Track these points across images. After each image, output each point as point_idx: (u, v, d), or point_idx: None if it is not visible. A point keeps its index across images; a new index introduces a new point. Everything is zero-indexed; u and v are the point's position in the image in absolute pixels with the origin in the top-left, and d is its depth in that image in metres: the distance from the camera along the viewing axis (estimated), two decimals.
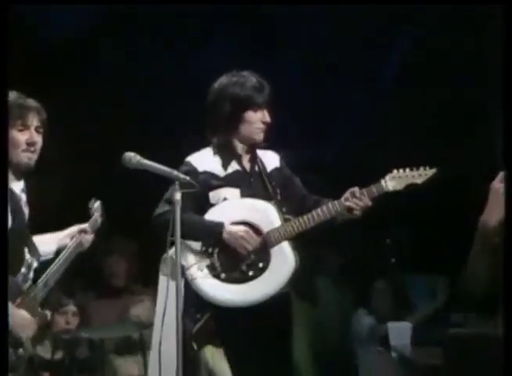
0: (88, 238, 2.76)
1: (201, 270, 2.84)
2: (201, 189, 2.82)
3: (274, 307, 2.80)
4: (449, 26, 5.52)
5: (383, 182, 2.85)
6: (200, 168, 2.93)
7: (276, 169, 3.05)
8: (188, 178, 2.62)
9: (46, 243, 2.74)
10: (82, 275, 4.16)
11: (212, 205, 2.91)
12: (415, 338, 2.18)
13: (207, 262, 2.86)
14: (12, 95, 2.64)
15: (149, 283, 3.47)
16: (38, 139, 2.58)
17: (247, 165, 3.01)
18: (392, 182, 2.84)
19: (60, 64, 5.23)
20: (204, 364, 2.87)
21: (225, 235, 2.83)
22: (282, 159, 3.10)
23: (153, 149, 2.85)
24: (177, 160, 3.01)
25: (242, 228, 2.85)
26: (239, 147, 2.98)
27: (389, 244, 4.34)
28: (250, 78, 2.98)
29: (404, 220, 4.85)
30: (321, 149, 5.31)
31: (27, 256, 2.58)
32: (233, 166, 2.97)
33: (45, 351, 3.73)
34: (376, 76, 5.76)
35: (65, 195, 4.28)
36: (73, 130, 4.61)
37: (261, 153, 3.08)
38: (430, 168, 2.88)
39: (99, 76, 5.16)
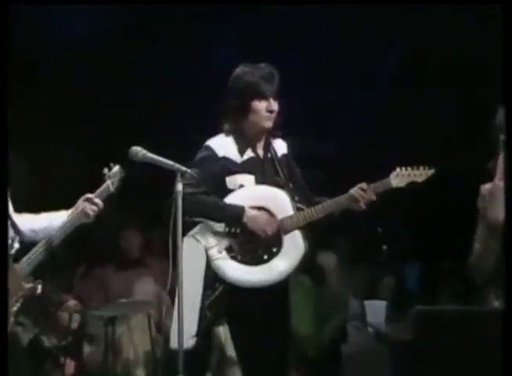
0: (94, 207, 2.77)
1: (220, 252, 2.95)
2: (219, 173, 2.95)
3: (276, 287, 2.93)
4: (449, 26, 5.61)
5: (389, 179, 2.97)
6: (220, 153, 3.00)
7: (284, 156, 3.14)
8: (189, 170, 2.72)
9: (56, 217, 2.78)
10: (99, 248, 4.46)
11: (229, 190, 3.00)
12: (389, 314, 2.33)
13: (226, 244, 2.96)
14: None
15: (163, 257, 3.53)
16: None
17: (261, 152, 3.09)
18: (395, 179, 2.97)
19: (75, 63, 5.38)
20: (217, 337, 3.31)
21: (245, 219, 2.92)
22: (289, 147, 3.19)
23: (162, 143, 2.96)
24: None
25: (262, 213, 2.95)
26: (251, 134, 3.05)
27: (380, 232, 4.57)
28: (261, 68, 3.07)
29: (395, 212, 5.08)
30: (322, 146, 5.44)
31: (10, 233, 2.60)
32: (248, 153, 3.05)
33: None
34: (375, 76, 5.85)
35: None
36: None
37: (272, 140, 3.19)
38: (429, 167, 3.00)
39: (115, 76, 5.31)
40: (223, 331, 3.59)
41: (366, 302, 2.44)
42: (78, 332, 3.97)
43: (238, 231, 2.94)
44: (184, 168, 2.70)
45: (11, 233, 2.65)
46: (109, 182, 2.85)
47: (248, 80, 3.03)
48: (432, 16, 5.62)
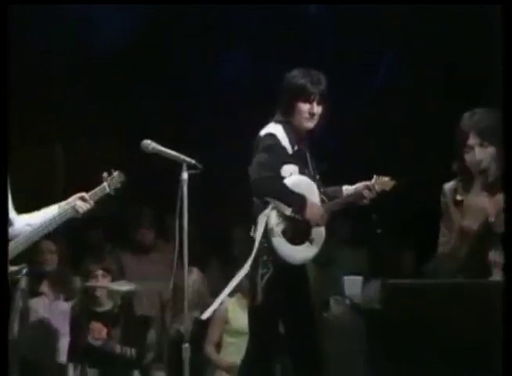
0: (85, 206, 3.04)
1: (278, 233, 3.28)
2: (279, 161, 3.29)
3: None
4: (449, 25, 5.83)
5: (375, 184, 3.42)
6: (282, 143, 3.32)
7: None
8: (194, 161, 3.08)
9: (48, 212, 3.04)
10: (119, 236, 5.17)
11: (282, 177, 3.33)
12: (365, 288, 2.66)
13: (282, 227, 3.29)
14: None
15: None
16: None
17: (303, 146, 3.43)
18: (379, 185, 3.41)
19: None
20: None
21: (308, 210, 3.26)
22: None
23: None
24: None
25: (318, 204, 3.34)
26: (296, 130, 3.37)
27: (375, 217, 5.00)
28: (311, 73, 3.39)
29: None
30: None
31: None
32: (296, 146, 3.38)
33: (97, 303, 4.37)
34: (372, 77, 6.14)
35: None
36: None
37: None
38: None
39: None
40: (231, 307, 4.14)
41: (345, 277, 2.77)
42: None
43: (299, 217, 3.30)
44: (189, 159, 3.09)
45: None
46: (105, 183, 3.13)
47: (296, 82, 3.37)
48: (431, 16, 5.82)
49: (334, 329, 2.95)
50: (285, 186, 3.29)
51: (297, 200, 3.29)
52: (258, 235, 3.26)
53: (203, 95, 5.51)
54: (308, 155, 3.45)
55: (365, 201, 3.40)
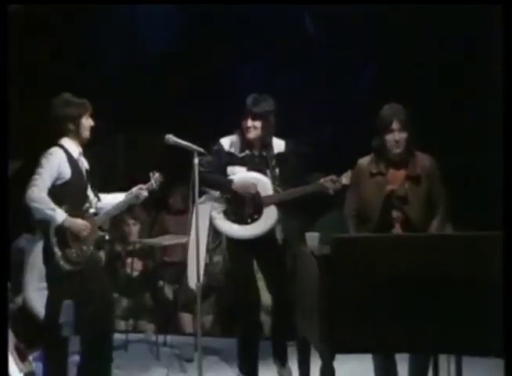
0: (144, 194, 4.30)
1: (219, 214, 4.42)
2: (223, 163, 4.40)
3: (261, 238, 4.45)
4: (449, 25, 6.15)
5: (341, 179, 4.38)
6: (226, 148, 4.45)
7: (280, 154, 4.52)
8: (202, 149, 4.17)
9: (118, 197, 4.34)
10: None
11: (227, 176, 4.43)
12: (320, 240, 3.67)
13: (223, 208, 4.41)
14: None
15: None
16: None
17: (257, 151, 4.48)
18: (347, 178, 4.34)
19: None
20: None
21: (233, 186, 4.37)
22: (287, 145, 4.55)
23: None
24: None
25: (246, 181, 4.38)
26: (243, 140, 4.45)
27: None
28: (251, 96, 4.41)
29: None
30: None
31: (91, 197, 4.09)
32: (246, 151, 4.46)
33: None
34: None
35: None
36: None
37: (274, 140, 4.53)
38: None
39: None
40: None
41: (307, 234, 3.81)
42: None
43: (229, 196, 4.37)
44: (199, 148, 4.18)
45: (94, 196, 4.22)
46: (152, 181, 4.32)
47: (245, 103, 4.39)
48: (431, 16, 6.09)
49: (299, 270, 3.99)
50: (213, 177, 4.36)
51: (223, 183, 4.33)
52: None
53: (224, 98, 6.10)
54: (268, 157, 4.43)
55: (330, 192, 4.38)
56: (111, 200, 4.33)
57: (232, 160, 4.43)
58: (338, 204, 4.58)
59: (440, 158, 4.06)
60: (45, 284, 5.40)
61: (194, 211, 4.34)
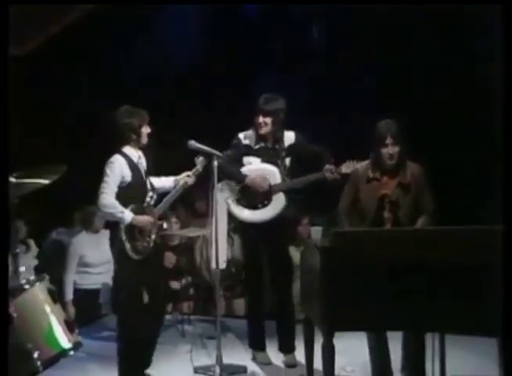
0: (191, 180, 4.69)
1: (232, 201, 4.96)
2: (240, 154, 4.93)
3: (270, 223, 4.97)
4: (449, 25, 6.36)
5: (341, 168, 4.89)
6: (243, 142, 5.00)
7: (290, 145, 5.03)
8: (220, 153, 4.70)
9: (168, 181, 4.74)
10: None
11: (243, 165, 4.98)
12: (322, 233, 4.19)
13: (237, 196, 4.95)
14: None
15: None
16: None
17: (270, 144, 5.01)
18: (346, 168, 4.84)
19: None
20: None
21: (247, 180, 4.93)
22: (297, 137, 5.05)
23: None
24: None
25: (259, 177, 4.93)
26: (257, 134, 4.99)
27: None
28: (263, 96, 4.94)
29: None
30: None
31: (149, 191, 4.61)
32: (260, 144, 5.01)
33: None
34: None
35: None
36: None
37: (286, 133, 5.04)
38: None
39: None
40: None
41: (311, 228, 4.39)
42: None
43: (242, 187, 4.91)
44: (218, 152, 4.71)
45: (152, 190, 4.62)
46: (198, 166, 4.79)
47: (256, 102, 4.96)
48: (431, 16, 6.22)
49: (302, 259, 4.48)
50: (230, 169, 4.90)
51: (238, 176, 4.85)
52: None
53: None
54: (279, 149, 4.95)
55: (328, 179, 4.86)
56: (158, 183, 4.78)
57: (248, 151, 4.99)
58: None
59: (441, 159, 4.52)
60: (82, 268, 6.19)
61: (213, 203, 4.84)
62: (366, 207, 4.45)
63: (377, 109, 5.93)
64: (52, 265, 6.22)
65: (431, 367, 4.09)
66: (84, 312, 5.85)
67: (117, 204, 4.41)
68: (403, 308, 3.65)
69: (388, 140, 4.38)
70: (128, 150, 4.55)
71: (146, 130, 4.56)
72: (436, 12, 6.24)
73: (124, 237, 4.37)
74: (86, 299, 6.07)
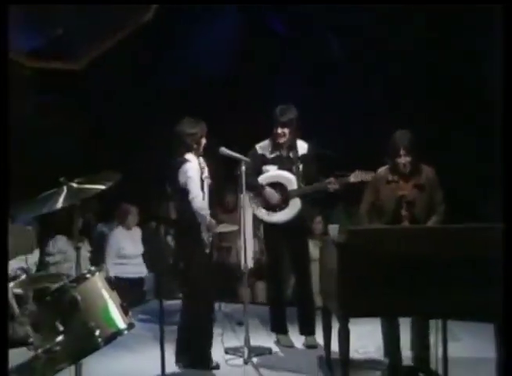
0: (335, 186, 5.42)
1: (256, 204, 5.50)
2: (258, 163, 5.41)
3: (289, 223, 5.50)
4: (449, 25, 6.49)
5: (349, 178, 5.39)
6: (259, 152, 5.52)
7: (303, 155, 5.56)
8: (248, 159, 5.17)
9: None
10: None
11: (263, 172, 5.52)
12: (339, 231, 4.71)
13: (257, 202, 5.50)
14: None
15: None
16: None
17: (285, 152, 5.53)
18: (354, 178, 5.34)
19: None
20: None
21: (264, 191, 5.48)
22: (309, 147, 5.58)
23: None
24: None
25: (273, 191, 5.48)
26: (274, 144, 5.50)
27: None
28: (278, 107, 5.44)
29: None
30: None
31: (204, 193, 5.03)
32: (276, 153, 5.53)
33: None
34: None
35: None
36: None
37: (299, 142, 5.56)
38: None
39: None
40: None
41: (329, 225, 4.91)
42: None
43: (257, 196, 5.44)
44: (245, 158, 5.19)
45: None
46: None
47: (274, 114, 5.43)
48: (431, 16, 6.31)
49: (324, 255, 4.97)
50: (251, 180, 5.32)
51: (254, 187, 5.44)
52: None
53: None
54: (293, 157, 5.46)
55: (330, 189, 5.43)
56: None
57: (265, 160, 5.52)
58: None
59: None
60: (119, 260, 6.81)
61: (241, 205, 5.37)
62: (386, 206, 4.95)
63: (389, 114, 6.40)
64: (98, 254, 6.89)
65: (435, 348, 4.52)
66: (128, 298, 6.43)
67: (206, 205, 4.95)
68: (410, 297, 4.04)
69: (402, 152, 4.89)
70: (191, 156, 5.01)
71: (203, 141, 5.07)
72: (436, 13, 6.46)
73: (205, 237, 4.91)
74: (130, 287, 6.62)
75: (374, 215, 5.01)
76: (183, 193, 4.94)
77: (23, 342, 3.22)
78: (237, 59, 7.41)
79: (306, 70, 7.34)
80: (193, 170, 4.91)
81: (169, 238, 7.06)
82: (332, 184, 5.42)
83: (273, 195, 5.53)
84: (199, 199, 4.90)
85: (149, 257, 7.00)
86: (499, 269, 3.41)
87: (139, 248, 6.99)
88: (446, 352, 4.46)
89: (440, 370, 4.48)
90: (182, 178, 4.95)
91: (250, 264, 5.45)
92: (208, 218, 4.92)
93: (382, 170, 5.07)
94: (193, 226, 4.91)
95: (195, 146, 5.00)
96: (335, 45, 7.23)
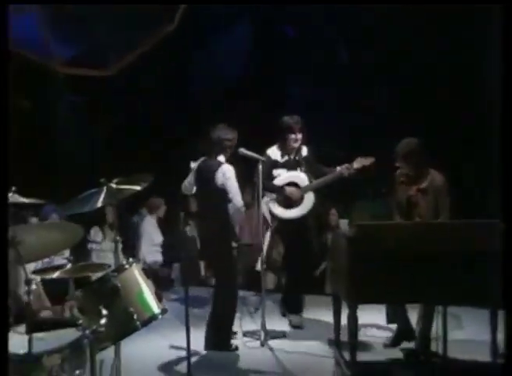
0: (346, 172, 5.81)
1: (272, 203, 5.94)
2: (270, 167, 5.83)
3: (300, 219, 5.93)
4: (449, 25, 6.56)
5: (353, 164, 5.85)
6: (272, 157, 5.97)
7: (305, 157, 6.05)
8: (263, 158, 5.60)
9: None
10: None
11: (274, 176, 5.95)
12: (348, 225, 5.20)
13: (275, 200, 5.94)
14: None
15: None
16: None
17: (292, 156, 6.00)
18: (356, 164, 5.83)
19: None
20: None
21: (285, 190, 5.88)
22: (308, 150, 6.07)
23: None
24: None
25: (293, 189, 5.90)
26: (286, 149, 5.95)
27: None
28: (292, 117, 5.91)
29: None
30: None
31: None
32: (285, 157, 6.00)
33: None
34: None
35: None
36: None
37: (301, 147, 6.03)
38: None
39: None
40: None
41: (340, 220, 5.39)
42: None
43: (280, 196, 5.85)
44: (262, 158, 5.61)
45: None
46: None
47: (286, 123, 5.92)
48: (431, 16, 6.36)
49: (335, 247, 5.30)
50: (270, 184, 5.85)
51: (276, 189, 5.77)
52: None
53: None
54: (299, 160, 5.94)
55: (346, 175, 5.85)
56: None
57: (276, 164, 6.00)
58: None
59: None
60: (154, 248, 7.38)
61: (259, 204, 5.77)
62: (401, 204, 5.40)
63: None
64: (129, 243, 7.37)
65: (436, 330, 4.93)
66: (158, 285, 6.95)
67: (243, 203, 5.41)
68: (413, 286, 4.37)
69: (399, 161, 5.36)
70: (223, 159, 5.48)
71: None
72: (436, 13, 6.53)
73: (237, 231, 5.47)
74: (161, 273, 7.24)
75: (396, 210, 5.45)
76: (221, 192, 5.38)
77: (72, 324, 3.63)
78: (255, 64, 7.92)
79: (317, 71, 7.70)
80: (231, 172, 5.38)
81: (188, 229, 7.55)
82: (347, 169, 5.82)
83: (294, 192, 5.97)
84: (238, 198, 5.38)
85: (175, 246, 7.55)
86: (495, 260, 3.69)
87: (167, 238, 7.65)
88: (446, 335, 4.93)
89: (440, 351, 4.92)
90: (219, 179, 5.39)
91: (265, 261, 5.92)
92: (243, 215, 5.39)
93: (398, 172, 5.49)
94: (229, 222, 5.41)
95: (228, 150, 5.47)
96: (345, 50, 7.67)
